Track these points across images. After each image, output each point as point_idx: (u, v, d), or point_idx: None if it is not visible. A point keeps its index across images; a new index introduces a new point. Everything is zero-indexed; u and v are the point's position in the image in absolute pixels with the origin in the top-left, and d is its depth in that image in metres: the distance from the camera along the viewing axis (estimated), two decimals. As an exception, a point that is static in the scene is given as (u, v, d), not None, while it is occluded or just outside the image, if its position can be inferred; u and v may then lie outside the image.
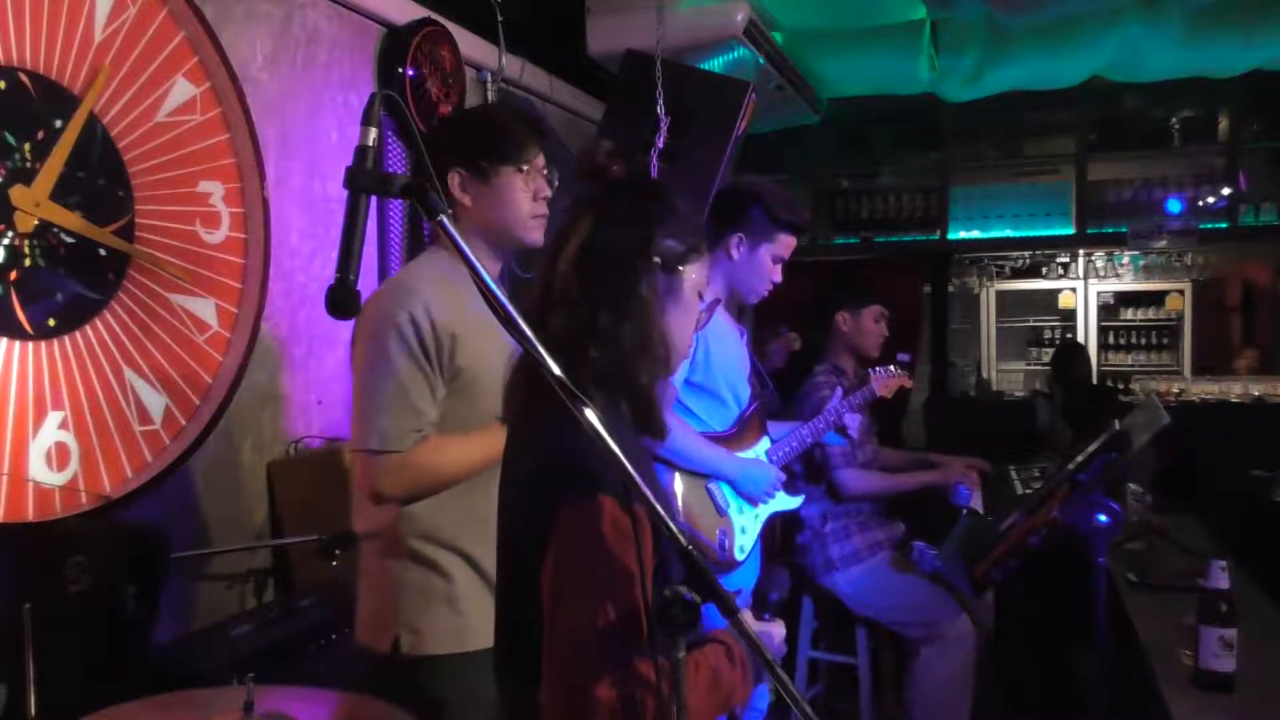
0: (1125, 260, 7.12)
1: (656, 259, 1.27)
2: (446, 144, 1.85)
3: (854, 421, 2.93)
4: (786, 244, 2.58)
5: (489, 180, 1.78)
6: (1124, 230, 5.98)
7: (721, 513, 2.54)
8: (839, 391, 3.05)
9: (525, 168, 1.80)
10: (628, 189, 1.34)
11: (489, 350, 1.71)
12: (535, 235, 1.83)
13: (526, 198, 1.80)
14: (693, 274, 1.32)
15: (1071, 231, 6.21)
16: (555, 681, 1.15)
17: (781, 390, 3.36)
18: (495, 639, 1.35)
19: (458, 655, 1.70)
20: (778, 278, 2.61)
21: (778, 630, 1.42)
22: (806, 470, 3.27)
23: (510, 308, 1.04)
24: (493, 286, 1.04)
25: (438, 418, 1.71)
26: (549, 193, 1.84)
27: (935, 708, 3.10)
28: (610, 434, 1.02)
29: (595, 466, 1.12)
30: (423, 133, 2.94)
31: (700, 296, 1.35)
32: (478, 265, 1.05)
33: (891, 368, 3.19)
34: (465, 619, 1.72)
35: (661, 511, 1.03)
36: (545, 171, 1.85)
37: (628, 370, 1.25)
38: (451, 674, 1.68)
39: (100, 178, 2.15)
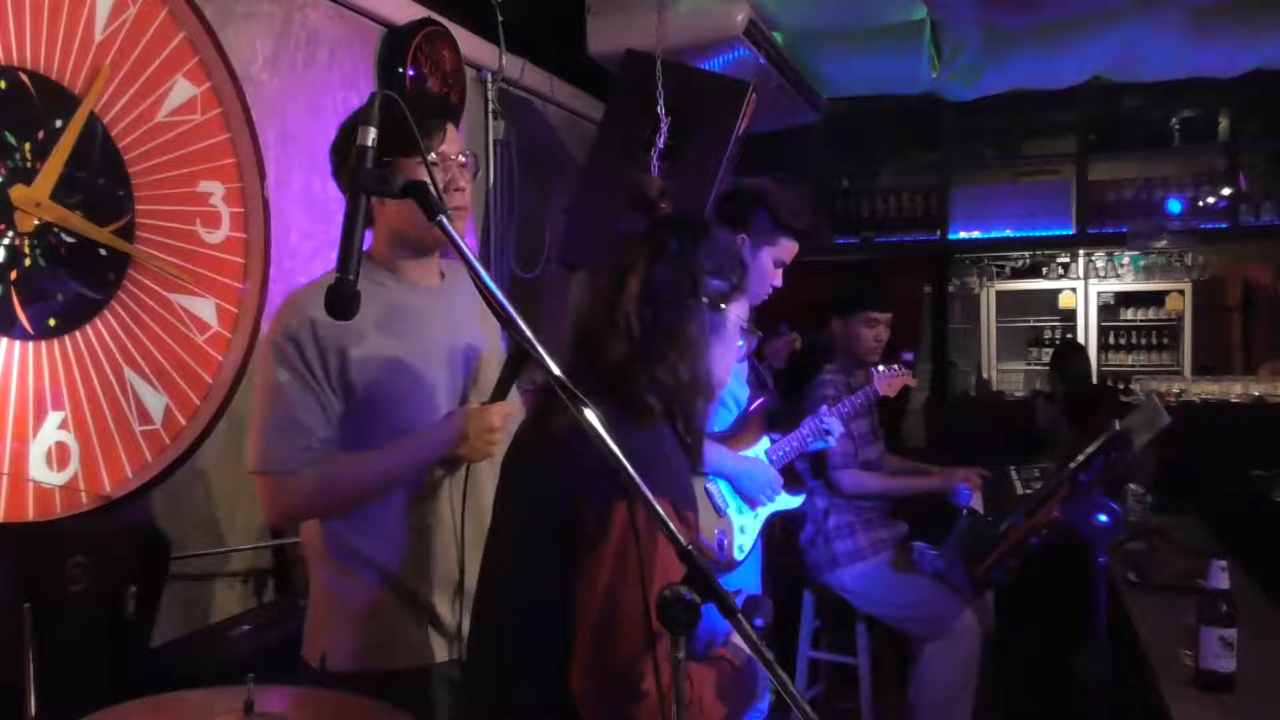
0: (1125, 260, 7.11)
1: (705, 299, 1.38)
2: (348, 148, 1.56)
3: (837, 428, 2.94)
4: (788, 248, 2.57)
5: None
6: (1124, 230, 5.97)
7: (720, 513, 2.54)
8: (829, 401, 3.05)
9: (433, 159, 1.64)
10: (677, 227, 1.41)
11: (386, 365, 1.64)
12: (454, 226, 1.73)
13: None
14: (735, 311, 1.42)
15: (1071, 231, 6.21)
16: (600, 667, 1.23)
17: (787, 390, 3.36)
18: (482, 635, 1.42)
19: (379, 673, 1.64)
20: (778, 281, 2.60)
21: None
22: (812, 465, 3.26)
23: (509, 307, 1.04)
24: (490, 285, 1.04)
25: (336, 434, 1.63)
26: (464, 182, 1.70)
27: (939, 704, 3.10)
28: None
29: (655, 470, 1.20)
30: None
31: (742, 330, 1.45)
32: (476, 265, 1.05)
33: (895, 366, 3.19)
34: (389, 637, 1.67)
35: (663, 514, 1.03)
36: (460, 157, 1.69)
37: (679, 401, 1.37)
38: (372, 692, 1.57)
39: (100, 177, 2.15)
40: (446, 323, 1.74)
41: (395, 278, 1.72)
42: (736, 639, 1.37)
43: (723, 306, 1.39)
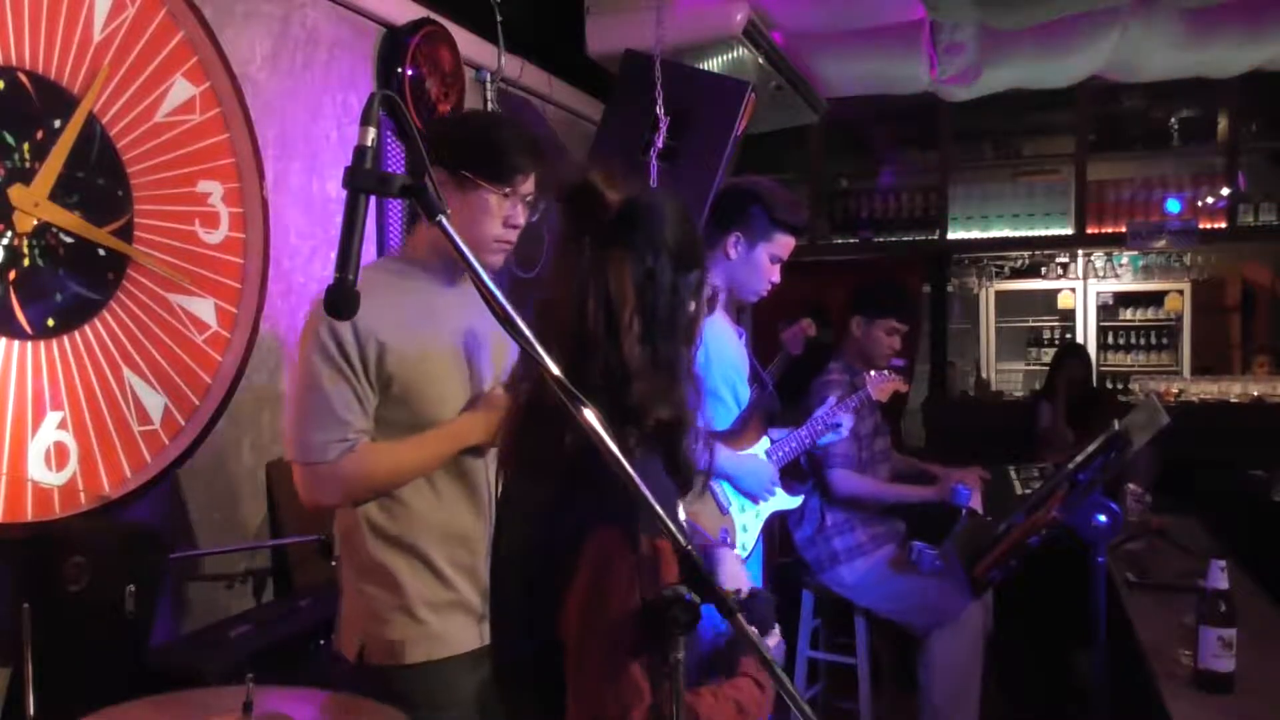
0: (1125, 260, 7.12)
1: (692, 303, 1.31)
2: (436, 140, 1.78)
3: (848, 421, 2.92)
4: (785, 244, 2.57)
5: (464, 193, 1.72)
6: (1124, 230, 5.97)
7: (723, 511, 2.55)
8: (835, 396, 3.05)
9: (507, 192, 1.73)
10: (639, 229, 1.28)
11: (424, 357, 1.69)
12: (494, 260, 1.77)
13: (495, 223, 1.74)
14: (704, 284, 1.37)
15: (1071, 231, 6.21)
16: (587, 705, 1.15)
17: (790, 386, 3.35)
18: (500, 652, 1.36)
19: (420, 664, 1.68)
20: (776, 278, 2.60)
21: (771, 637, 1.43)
22: (809, 462, 3.26)
23: (509, 307, 1.04)
24: (491, 286, 1.04)
25: (372, 425, 1.69)
26: (522, 221, 1.78)
27: (951, 691, 3.09)
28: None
29: (627, 499, 1.07)
30: (420, 130, 2.91)
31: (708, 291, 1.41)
32: (475, 264, 1.05)
33: (886, 371, 3.19)
34: (426, 627, 1.70)
35: (670, 524, 1.03)
36: (529, 198, 1.78)
37: (676, 428, 1.25)
38: (414, 683, 1.66)
39: (99, 178, 2.15)
40: (474, 315, 1.77)
41: (428, 274, 1.78)
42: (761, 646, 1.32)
43: (703, 289, 1.34)
